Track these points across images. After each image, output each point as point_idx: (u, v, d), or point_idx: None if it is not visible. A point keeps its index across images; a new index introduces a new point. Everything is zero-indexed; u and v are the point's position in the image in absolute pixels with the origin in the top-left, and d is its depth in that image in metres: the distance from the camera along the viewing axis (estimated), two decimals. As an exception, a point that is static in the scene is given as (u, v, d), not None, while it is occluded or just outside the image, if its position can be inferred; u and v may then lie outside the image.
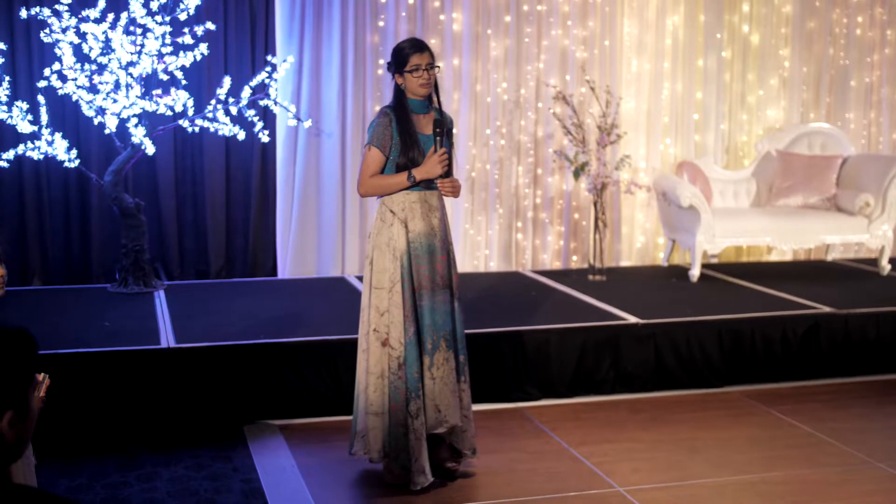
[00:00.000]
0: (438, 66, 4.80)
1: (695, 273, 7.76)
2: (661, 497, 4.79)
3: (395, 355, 4.68)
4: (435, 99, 4.83)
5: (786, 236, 7.95)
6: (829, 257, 8.96)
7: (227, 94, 7.01)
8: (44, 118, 6.69)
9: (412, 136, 4.69)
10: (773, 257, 9.05)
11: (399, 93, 4.75)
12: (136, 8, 6.66)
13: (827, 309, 6.84)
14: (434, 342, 4.70)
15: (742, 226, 7.93)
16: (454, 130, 4.95)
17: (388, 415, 4.72)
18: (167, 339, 5.80)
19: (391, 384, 4.70)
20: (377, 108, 7.82)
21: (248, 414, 5.70)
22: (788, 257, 9.05)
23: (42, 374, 2.81)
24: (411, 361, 4.66)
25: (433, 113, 4.80)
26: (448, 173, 4.72)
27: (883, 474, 5.12)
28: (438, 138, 4.66)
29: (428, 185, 4.73)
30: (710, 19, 8.67)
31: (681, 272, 8.07)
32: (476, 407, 5.79)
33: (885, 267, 8.18)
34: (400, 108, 4.73)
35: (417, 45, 4.72)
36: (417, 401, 4.67)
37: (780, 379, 6.62)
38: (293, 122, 7.52)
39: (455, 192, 4.74)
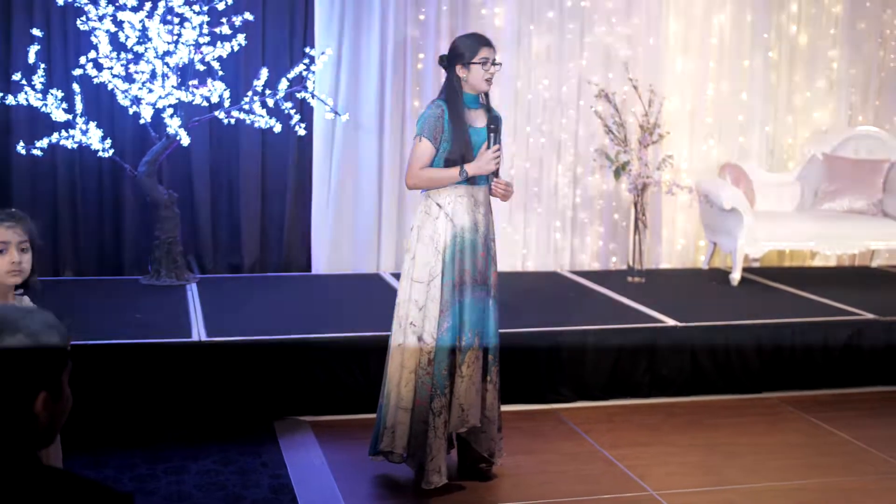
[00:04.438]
0: (500, 63, 4.75)
1: (736, 277, 7.63)
2: (694, 502, 4.71)
3: (426, 350, 4.62)
4: (484, 96, 4.76)
5: (830, 241, 7.82)
6: (875, 263, 8.82)
7: (264, 86, 6.95)
8: (78, 107, 6.66)
9: (464, 129, 4.63)
10: (817, 262, 8.91)
11: (453, 85, 4.68)
12: (173, -3, 6.64)
13: (870, 316, 6.71)
14: (469, 339, 4.63)
15: (785, 230, 7.80)
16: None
17: (412, 411, 4.66)
18: (198, 332, 5.77)
19: (419, 379, 4.64)
20: (416, 104, 7.79)
21: (278, 409, 5.66)
22: (832, 263, 8.91)
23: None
24: (441, 358, 4.59)
25: (482, 109, 4.73)
26: (497, 172, 4.67)
27: (924, 485, 5.01)
28: (492, 135, 4.61)
29: (475, 180, 4.66)
30: (758, 19, 8.53)
31: (722, 276, 7.95)
32: (509, 407, 5.74)
33: (932, 274, 8.03)
34: (453, 101, 4.65)
35: (486, 40, 4.69)
36: (442, 398, 4.60)
37: (819, 386, 6.50)
38: (330, 116, 7.46)
39: (506, 194, 4.70)
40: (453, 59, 4.68)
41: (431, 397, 4.60)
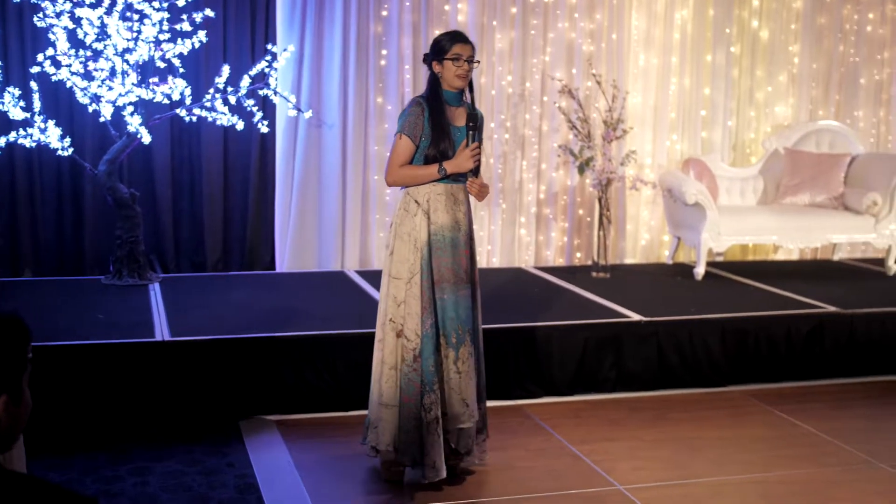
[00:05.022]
0: (478, 62, 4.73)
1: (700, 271, 7.66)
2: (661, 496, 4.72)
3: (410, 347, 4.60)
4: (468, 95, 4.77)
5: (792, 235, 7.87)
6: (836, 257, 8.88)
7: (226, 83, 6.91)
8: (36, 105, 6.58)
9: (444, 127, 4.63)
10: (780, 256, 8.97)
11: (434, 83, 4.69)
12: (133, -7, 6.57)
13: (832, 309, 6.76)
14: (459, 336, 4.63)
15: (748, 224, 7.84)
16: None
17: (400, 408, 4.64)
18: (162, 332, 5.72)
19: (405, 376, 4.62)
20: (379, 100, 7.77)
21: (243, 409, 5.62)
22: (795, 256, 8.97)
23: None
24: (427, 354, 4.58)
25: (465, 108, 4.73)
26: (477, 170, 4.66)
27: (885, 475, 5.06)
28: (471, 132, 4.60)
29: (455, 178, 4.66)
30: (720, 14, 8.57)
31: (686, 270, 7.99)
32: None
33: (892, 267, 8.10)
34: (434, 99, 4.66)
35: (462, 37, 4.69)
36: (432, 395, 4.59)
37: (783, 379, 6.55)
38: (293, 113, 7.44)
39: (481, 194, 4.67)
40: (430, 55, 4.69)
41: (422, 394, 4.59)
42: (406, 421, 4.63)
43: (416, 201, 4.64)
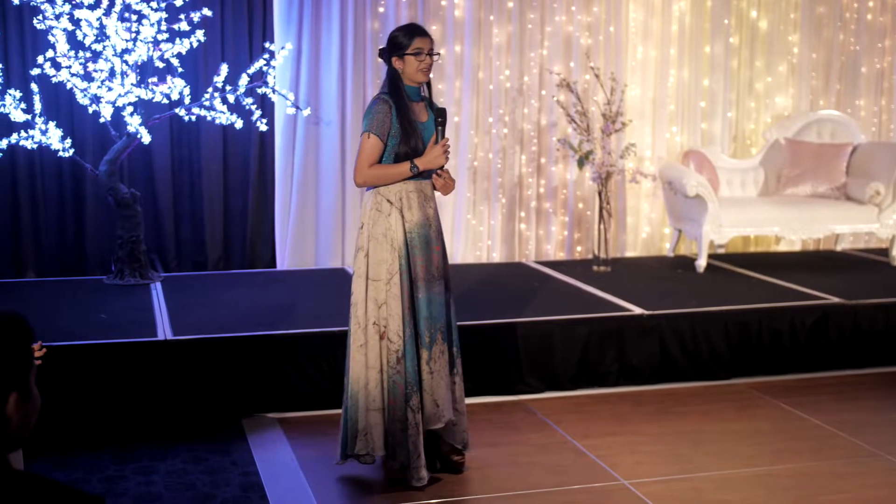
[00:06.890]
0: (438, 54, 4.69)
1: (701, 264, 7.65)
2: (665, 490, 4.71)
3: (393, 349, 4.57)
4: (425, 89, 4.72)
5: (794, 226, 7.85)
6: (839, 247, 8.87)
7: (224, 82, 6.91)
8: (37, 107, 6.59)
9: (412, 124, 4.58)
10: (782, 247, 8.95)
11: (395, 79, 4.62)
12: (130, -6, 6.57)
13: (836, 300, 6.75)
14: (431, 335, 4.61)
15: (750, 215, 7.83)
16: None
17: (386, 410, 4.62)
18: (164, 331, 5.73)
19: (389, 378, 4.59)
20: (378, 96, 7.74)
21: (246, 407, 5.63)
22: (797, 247, 8.96)
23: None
24: (411, 355, 4.56)
25: (424, 103, 4.70)
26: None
27: (891, 466, 5.04)
28: (440, 128, 4.56)
29: (422, 174, 4.62)
30: (718, 5, 8.55)
31: (687, 263, 7.97)
32: (478, 399, 5.77)
33: (896, 257, 8.10)
34: (397, 95, 4.60)
35: (420, 30, 4.63)
36: (418, 395, 4.57)
37: (787, 371, 6.53)
38: (292, 111, 7.43)
39: (447, 188, 4.65)
40: (390, 51, 4.62)
41: (407, 395, 4.56)
42: (392, 424, 4.61)
43: (389, 200, 4.59)
